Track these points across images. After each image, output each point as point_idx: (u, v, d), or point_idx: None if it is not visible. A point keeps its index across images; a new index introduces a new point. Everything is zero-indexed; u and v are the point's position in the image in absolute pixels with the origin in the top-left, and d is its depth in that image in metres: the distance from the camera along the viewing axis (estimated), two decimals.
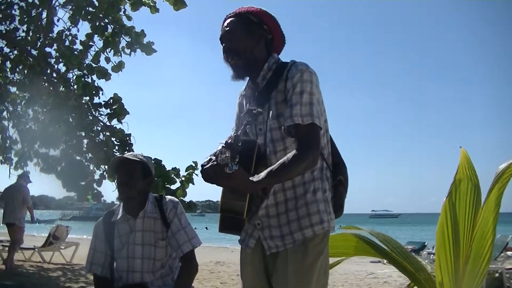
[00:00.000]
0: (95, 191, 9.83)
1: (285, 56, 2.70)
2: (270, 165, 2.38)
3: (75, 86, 9.81)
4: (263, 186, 2.38)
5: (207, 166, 2.26)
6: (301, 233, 2.43)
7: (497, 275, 8.79)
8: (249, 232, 2.58)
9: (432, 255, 12.11)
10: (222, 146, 2.16)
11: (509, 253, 10.67)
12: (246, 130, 2.53)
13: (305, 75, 2.42)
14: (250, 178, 2.26)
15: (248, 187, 2.28)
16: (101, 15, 9.30)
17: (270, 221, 2.49)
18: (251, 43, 2.55)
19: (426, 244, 18.58)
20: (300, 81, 2.40)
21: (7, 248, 13.68)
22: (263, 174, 2.30)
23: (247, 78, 2.65)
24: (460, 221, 3.13)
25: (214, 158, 2.27)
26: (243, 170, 2.22)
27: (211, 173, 2.24)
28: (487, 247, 3.13)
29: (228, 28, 2.58)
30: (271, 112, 2.48)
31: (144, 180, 3.39)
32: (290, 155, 2.35)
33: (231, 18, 2.60)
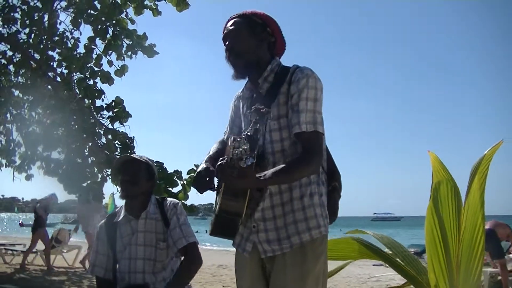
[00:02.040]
0: (97, 193, 9.82)
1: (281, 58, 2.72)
2: (268, 166, 2.41)
3: (77, 90, 9.80)
4: (267, 185, 2.41)
5: (219, 163, 2.24)
6: (298, 237, 2.43)
7: (499, 278, 8.76)
8: (245, 236, 2.57)
9: None
10: (237, 140, 2.17)
11: (511, 255, 10.61)
12: (256, 127, 2.49)
13: (311, 81, 2.44)
14: (257, 175, 2.27)
15: (256, 185, 2.31)
16: (103, 18, 9.30)
17: (266, 224, 2.48)
18: (254, 44, 2.56)
19: None
20: (306, 87, 2.42)
21: (9, 252, 13.77)
22: (269, 173, 2.31)
23: (246, 79, 2.66)
24: (445, 223, 3.15)
25: (222, 158, 2.26)
26: (252, 169, 2.22)
27: (224, 169, 2.21)
28: (479, 248, 3.12)
29: (232, 28, 2.59)
30: (271, 113, 2.47)
31: (148, 181, 3.41)
32: (294, 158, 2.40)
33: (236, 19, 2.62)
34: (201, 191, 2.48)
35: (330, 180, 2.65)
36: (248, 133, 2.18)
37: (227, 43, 2.59)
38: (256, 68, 2.58)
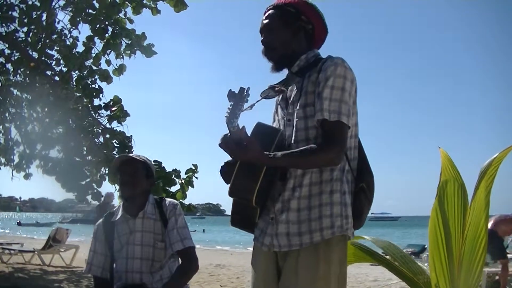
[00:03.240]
0: (95, 191, 9.83)
1: None
2: None
3: (75, 88, 9.81)
4: (275, 165, 2.31)
5: (222, 135, 2.20)
6: (309, 236, 2.33)
7: (497, 277, 8.77)
8: (263, 230, 2.47)
9: None
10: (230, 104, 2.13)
11: (510, 256, 10.62)
12: (243, 87, 2.26)
13: (339, 69, 2.34)
14: (265, 152, 2.22)
15: (261, 159, 2.21)
16: (102, 17, 9.30)
17: (281, 217, 2.38)
18: (289, 35, 2.50)
19: (426, 246, 18.59)
20: (333, 75, 2.33)
21: (6, 251, 13.75)
22: (279, 153, 2.24)
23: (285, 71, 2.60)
24: (450, 222, 3.12)
25: None
26: (255, 140, 2.19)
27: (226, 139, 2.17)
28: (481, 248, 3.11)
29: (266, 21, 2.55)
30: (300, 101, 2.42)
31: (147, 180, 3.41)
32: (313, 145, 2.30)
33: (270, 11, 2.56)
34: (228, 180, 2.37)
35: (358, 180, 2.49)
36: (230, 90, 2.11)
37: (262, 38, 2.55)
38: (293, 59, 2.52)
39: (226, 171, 2.40)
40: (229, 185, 2.31)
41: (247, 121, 2.24)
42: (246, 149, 2.15)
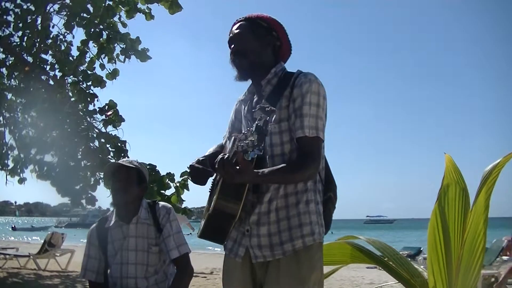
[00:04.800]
0: (89, 195, 9.81)
1: None
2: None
3: (70, 93, 9.80)
4: (263, 182, 2.39)
5: (220, 156, 2.21)
6: (291, 244, 2.39)
7: (493, 279, 8.80)
8: (237, 240, 2.52)
9: None
10: (244, 132, 2.13)
11: (504, 257, 10.67)
12: (266, 119, 2.29)
13: (314, 86, 2.42)
14: (255, 171, 2.26)
15: (253, 180, 2.30)
16: (96, 21, 9.30)
17: (259, 230, 2.44)
18: (259, 46, 2.55)
19: (421, 249, 18.61)
20: (310, 92, 2.40)
21: (1, 256, 13.72)
22: (266, 171, 2.31)
23: (249, 82, 2.66)
24: (450, 226, 3.13)
25: (222, 154, 2.24)
26: (250, 163, 2.21)
27: (225, 163, 2.18)
28: (479, 251, 3.13)
29: (237, 31, 2.58)
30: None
31: (139, 186, 3.38)
32: (293, 161, 2.40)
33: (241, 22, 2.61)
34: (199, 181, 2.49)
35: (326, 190, 2.61)
36: (258, 124, 2.10)
37: (232, 46, 2.58)
38: (260, 70, 2.57)
39: (194, 175, 2.54)
40: (213, 203, 2.37)
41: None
42: (243, 172, 2.18)
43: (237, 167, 2.15)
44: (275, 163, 2.40)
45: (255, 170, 2.26)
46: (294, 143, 2.43)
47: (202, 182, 2.54)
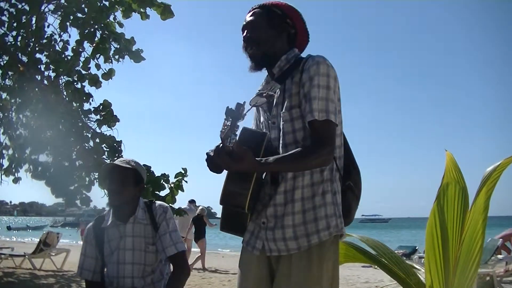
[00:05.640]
0: (84, 196, 9.79)
1: None
2: None
3: (65, 93, 9.78)
4: (268, 171, 2.34)
5: (216, 146, 2.18)
6: (306, 239, 2.33)
7: (488, 278, 8.82)
8: (255, 233, 2.46)
9: (423, 259, 12.10)
10: (224, 119, 2.09)
11: (500, 256, 10.69)
12: (240, 103, 2.23)
13: (322, 68, 2.35)
14: (257, 159, 2.21)
15: (254, 167, 2.22)
16: (91, 21, 9.28)
17: (276, 222, 2.37)
18: (272, 35, 2.50)
19: (417, 248, 18.61)
20: (317, 74, 2.33)
21: (2, 256, 13.73)
22: (271, 158, 2.24)
23: (263, 72, 2.60)
24: (448, 225, 3.12)
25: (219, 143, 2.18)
26: (249, 150, 2.17)
27: (219, 152, 2.14)
28: (477, 250, 3.12)
29: (251, 18, 2.55)
30: (285, 104, 2.41)
31: (136, 187, 3.36)
32: (302, 147, 2.31)
33: (255, 9, 2.57)
34: (214, 169, 2.38)
35: (345, 179, 2.51)
36: (229, 107, 2.08)
37: (245, 33, 2.54)
38: (273, 60, 2.52)
39: (209, 162, 2.37)
40: (221, 193, 2.31)
41: None
42: (240, 160, 2.14)
43: (228, 153, 2.11)
44: (289, 152, 2.33)
45: (257, 159, 2.21)
46: (308, 130, 2.35)
47: (218, 170, 2.39)
